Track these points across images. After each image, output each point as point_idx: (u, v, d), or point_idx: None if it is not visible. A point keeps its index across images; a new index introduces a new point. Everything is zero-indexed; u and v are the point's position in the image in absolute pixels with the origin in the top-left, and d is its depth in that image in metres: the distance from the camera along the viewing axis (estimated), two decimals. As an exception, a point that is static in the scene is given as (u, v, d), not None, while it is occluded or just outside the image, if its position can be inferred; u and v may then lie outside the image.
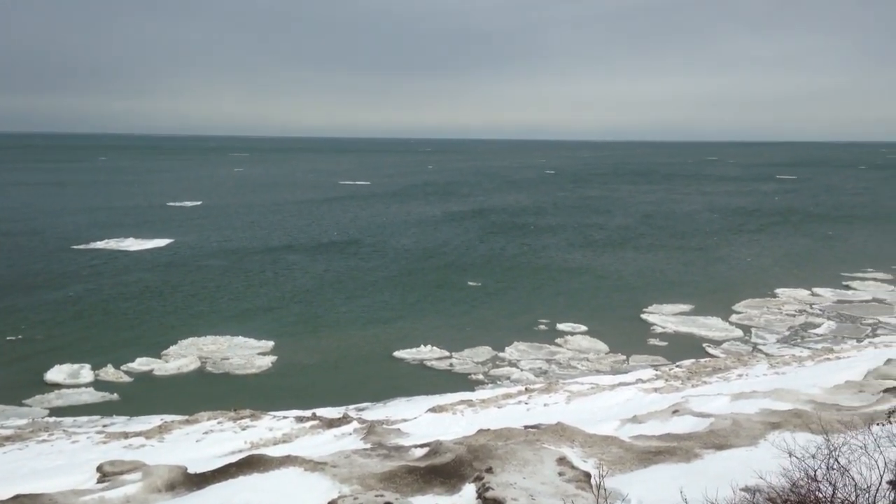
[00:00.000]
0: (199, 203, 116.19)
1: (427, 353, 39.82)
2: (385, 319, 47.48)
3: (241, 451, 23.75)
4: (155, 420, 29.38)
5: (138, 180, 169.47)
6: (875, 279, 59.69)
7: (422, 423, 27.23)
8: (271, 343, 41.33)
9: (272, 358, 39.21)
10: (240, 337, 42.11)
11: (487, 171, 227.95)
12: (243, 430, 27.23)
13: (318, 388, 34.89)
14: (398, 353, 39.92)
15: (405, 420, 27.82)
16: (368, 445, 22.53)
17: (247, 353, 39.66)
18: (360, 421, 27.57)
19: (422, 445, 21.41)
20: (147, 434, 27.05)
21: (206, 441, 25.89)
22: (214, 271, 61.81)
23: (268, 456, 20.23)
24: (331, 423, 27.42)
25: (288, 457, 19.92)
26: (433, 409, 29.36)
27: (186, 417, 29.32)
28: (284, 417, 28.81)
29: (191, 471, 19.44)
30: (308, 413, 29.56)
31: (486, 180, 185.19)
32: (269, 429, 27.20)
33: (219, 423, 28.31)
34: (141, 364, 37.64)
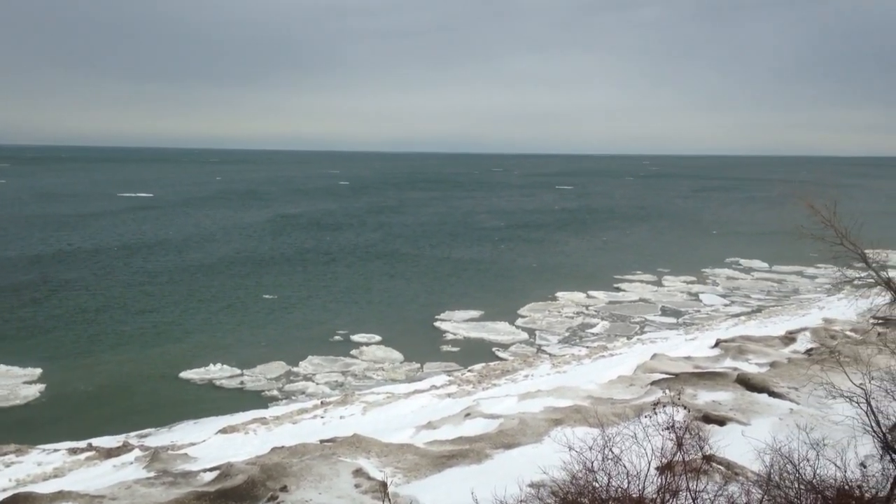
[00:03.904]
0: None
1: (217, 372, 38.17)
2: (172, 338, 44.94)
3: (4, 490, 21.51)
4: None
5: None
6: (641, 281, 65.37)
7: (211, 445, 26.10)
8: (39, 370, 37.61)
9: (40, 386, 35.71)
10: (1, 365, 38.00)
11: (279, 181, 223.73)
12: (7, 466, 24.68)
13: (96, 416, 32.24)
14: (185, 374, 37.93)
15: (193, 444, 26.51)
16: (152, 474, 21.25)
17: (10, 383, 35.81)
18: (143, 448, 25.88)
19: (211, 469, 20.58)
20: None
21: (-39, 484, 23.13)
22: (-30, 293, 55.37)
23: (36, 493, 18.56)
24: (109, 453, 25.50)
25: (60, 492, 18.39)
26: (223, 430, 28.25)
27: (-64, 459, 26.01)
28: (56, 450, 26.40)
29: (-59, 519, 17.37)
30: (83, 444, 27.26)
31: (278, 190, 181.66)
32: (38, 463, 24.84)
33: (-23, 462, 25.40)
34: None
